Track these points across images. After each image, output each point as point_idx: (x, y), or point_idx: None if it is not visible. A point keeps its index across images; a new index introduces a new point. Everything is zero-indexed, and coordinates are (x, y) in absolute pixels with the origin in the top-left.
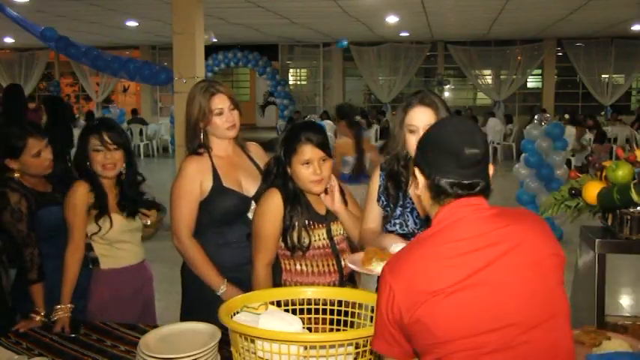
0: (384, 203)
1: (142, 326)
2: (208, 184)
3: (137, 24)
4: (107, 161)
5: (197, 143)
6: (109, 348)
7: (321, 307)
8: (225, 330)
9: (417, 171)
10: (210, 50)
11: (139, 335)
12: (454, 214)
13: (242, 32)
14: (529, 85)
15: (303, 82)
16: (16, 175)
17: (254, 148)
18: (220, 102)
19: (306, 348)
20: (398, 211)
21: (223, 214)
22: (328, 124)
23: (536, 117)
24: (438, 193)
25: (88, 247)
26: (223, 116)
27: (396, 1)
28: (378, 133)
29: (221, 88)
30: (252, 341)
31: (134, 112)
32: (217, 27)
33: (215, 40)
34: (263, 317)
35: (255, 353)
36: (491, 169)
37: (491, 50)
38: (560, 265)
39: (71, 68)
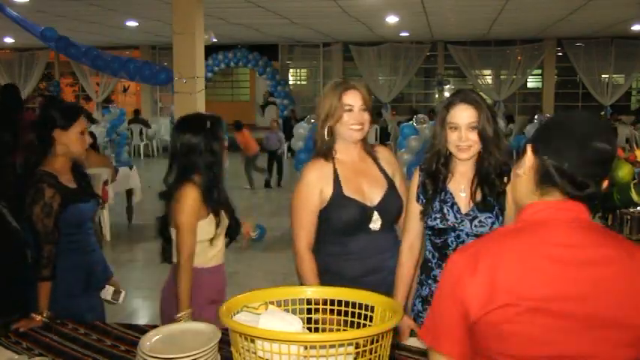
0: (423, 201)
1: (142, 326)
2: (328, 191)
3: (137, 24)
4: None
5: (323, 145)
6: (109, 348)
7: (321, 306)
8: (225, 330)
9: (529, 149)
10: (210, 50)
11: (139, 335)
12: (549, 214)
13: (242, 32)
14: (529, 85)
15: (303, 82)
16: (56, 166)
17: (382, 152)
18: (352, 98)
19: (306, 348)
20: (437, 205)
21: (342, 225)
22: None
23: (536, 117)
24: (543, 181)
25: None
26: (352, 114)
27: (396, 1)
28: (378, 132)
29: (356, 85)
30: (252, 341)
31: (136, 112)
32: (217, 27)
33: (215, 40)
34: (263, 317)
35: (255, 353)
36: (604, 184)
37: (491, 50)
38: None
39: (71, 68)
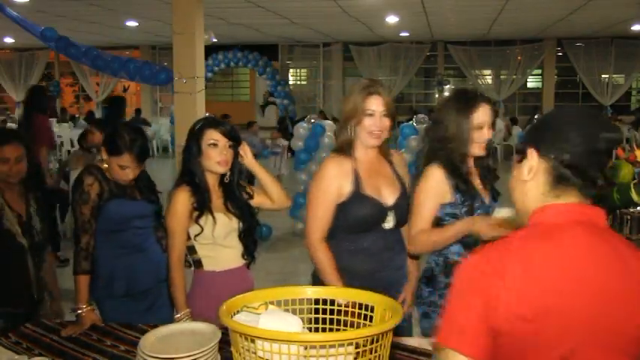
0: (461, 200)
1: (142, 326)
2: (347, 188)
3: (137, 24)
4: (222, 157)
5: (344, 141)
6: (109, 348)
7: (321, 306)
8: (225, 330)
9: (532, 152)
10: (210, 50)
11: (139, 335)
12: (569, 217)
13: (242, 32)
14: (529, 85)
15: (303, 82)
16: (105, 165)
17: (396, 157)
18: (375, 103)
19: (306, 348)
20: (467, 200)
21: (358, 221)
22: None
23: (536, 117)
24: (558, 182)
25: (191, 250)
26: (373, 119)
27: (396, 1)
28: None
29: (381, 90)
30: (253, 341)
31: (137, 112)
32: (217, 27)
33: (215, 40)
34: (263, 317)
35: (255, 353)
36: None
37: (491, 50)
38: None
39: (71, 68)
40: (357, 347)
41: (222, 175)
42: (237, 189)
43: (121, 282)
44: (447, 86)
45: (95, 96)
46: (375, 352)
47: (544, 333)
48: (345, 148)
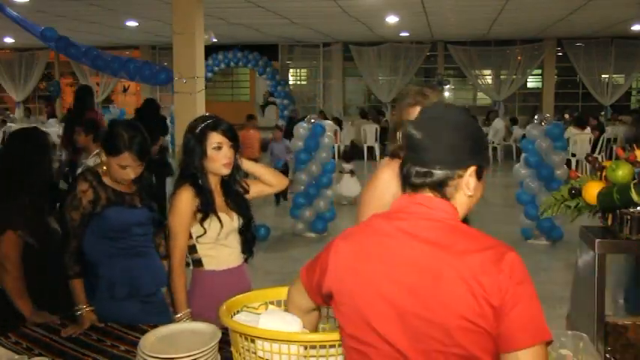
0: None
1: (142, 326)
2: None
3: (137, 24)
4: (227, 160)
5: (397, 147)
6: (109, 348)
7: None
8: (225, 330)
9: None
10: (210, 50)
11: (139, 335)
12: (400, 205)
13: (242, 32)
14: (529, 85)
15: (303, 82)
16: (104, 168)
17: None
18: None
19: (306, 348)
20: None
21: None
22: (328, 124)
23: (536, 117)
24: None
25: (191, 249)
26: None
27: (396, 1)
28: (378, 132)
29: (425, 102)
30: (253, 341)
31: (138, 112)
32: (217, 27)
33: (215, 40)
34: (263, 317)
35: (255, 353)
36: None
37: (491, 50)
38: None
39: (71, 68)
40: None
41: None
42: (234, 185)
43: (122, 285)
44: (447, 86)
45: (95, 96)
46: None
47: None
48: (398, 155)
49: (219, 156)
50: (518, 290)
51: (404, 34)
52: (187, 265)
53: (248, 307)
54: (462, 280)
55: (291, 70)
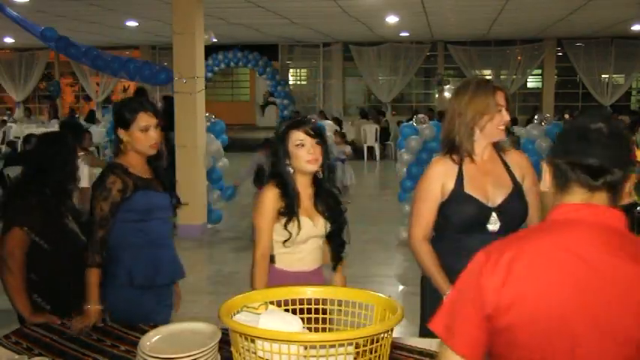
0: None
1: (142, 326)
2: (450, 186)
3: (137, 24)
4: (311, 156)
5: (451, 141)
6: (109, 348)
7: (321, 306)
8: (225, 330)
9: (544, 164)
10: (210, 50)
11: (139, 335)
12: (573, 216)
13: (242, 32)
14: (529, 85)
15: (303, 82)
16: (122, 146)
17: (515, 156)
18: (502, 99)
19: (306, 348)
20: None
21: (460, 222)
22: (328, 124)
23: (536, 117)
24: (560, 181)
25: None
26: (502, 114)
27: (396, 1)
28: (378, 132)
29: (503, 87)
30: (253, 341)
31: None
32: (217, 27)
33: (215, 40)
34: (263, 317)
35: (255, 353)
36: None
37: (491, 50)
38: None
39: (71, 68)
40: (357, 347)
41: (315, 175)
42: (329, 186)
43: (141, 273)
44: (447, 86)
45: (95, 96)
46: (375, 352)
47: (521, 330)
48: (457, 150)
49: (302, 152)
50: None
51: (404, 34)
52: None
53: (248, 307)
54: None
55: (291, 70)
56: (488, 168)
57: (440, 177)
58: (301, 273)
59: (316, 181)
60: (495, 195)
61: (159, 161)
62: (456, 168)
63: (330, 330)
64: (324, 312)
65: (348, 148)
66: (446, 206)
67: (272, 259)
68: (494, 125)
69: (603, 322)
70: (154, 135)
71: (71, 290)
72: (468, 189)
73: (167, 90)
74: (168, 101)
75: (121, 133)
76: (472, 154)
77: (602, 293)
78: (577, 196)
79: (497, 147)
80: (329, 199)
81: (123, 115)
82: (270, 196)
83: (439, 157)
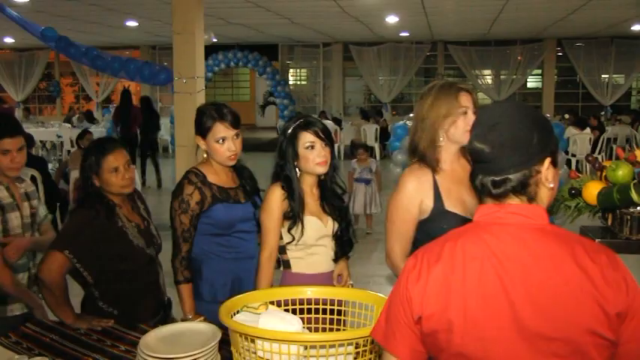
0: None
1: (142, 326)
2: (429, 204)
3: (137, 24)
4: (322, 158)
5: (428, 151)
6: (109, 348)
7: (321, 306)
8: (225, 330)
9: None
10: (210, 50)
11: (139, 335)
12: (489, 218)
13: (242, 32)
14: (529, 85)
15: (303, 82)
16: (204, 156)
17: None
18: (467, 101)
19: (306, 348)
20: None
21: None
22: (329, 124)
23: None
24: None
25: (281, 250)
26: (467, 117)
27: (396, 1)
28: (378, 132)
29: (469, 88)
30: (253, 341)
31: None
32: (217, 27)
33: (215, 40)
34: (263, 317)
35: (255, 353)
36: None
37: (491, 50)
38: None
39: (71, 68)
40: (357, 347)
41: (319, 176)
42: (332, 185)
43: (225, 287)
44: None
45: (95, 96)
46: (375, 352)
47: (444, 334)
48: (428, 159)
49: (312, 155)
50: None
51: (404, 34)
52: (277, 266)
53: (248, 307)
54: (586, 291)
55: (291, 70)
56: (460, 176)
57: (417, 194)
58: (320, 274)
59: (320, 181)
60: (473, 205)
61: (245, 168)
62: (430, 180)
63: (330, 330)
64: (324, 312)
65: (374, 165)
66: (427, 224)
67: (288, 264)
68: (459, 129)
69: (527, 320)
70: (232, 146)
71: (138, 296)
72: (449, 205)
73: (167, 90)
74: (144, 102)
75: (199, 140)
76: (438, 163)
77: (526, 293)
78: (490, 200)
79: (465, 151)
80: (333, 198)
81: (200, 122)
82: (277, 196)
83: (411, 167)
